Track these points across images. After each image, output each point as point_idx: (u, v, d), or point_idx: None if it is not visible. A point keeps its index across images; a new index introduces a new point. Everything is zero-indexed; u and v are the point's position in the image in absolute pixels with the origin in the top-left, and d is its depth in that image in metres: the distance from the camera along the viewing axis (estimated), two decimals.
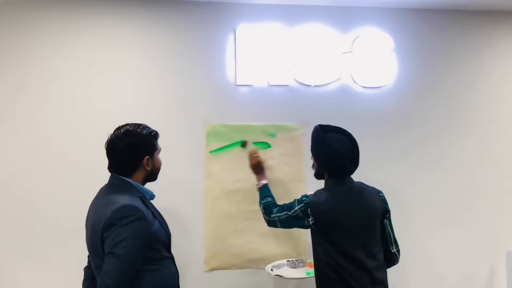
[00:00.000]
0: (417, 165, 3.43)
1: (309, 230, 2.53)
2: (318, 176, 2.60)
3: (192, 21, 3.24)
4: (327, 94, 3.33)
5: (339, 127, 2.54)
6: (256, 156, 2.96)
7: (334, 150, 2.43)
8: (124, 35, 3.20)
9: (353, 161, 2.48)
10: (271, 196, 2.75)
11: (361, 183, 2.54)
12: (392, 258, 2.54)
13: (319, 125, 2.54)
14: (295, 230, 2.94)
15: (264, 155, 3.07)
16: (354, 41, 3.36)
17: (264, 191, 2.80)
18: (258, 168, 2.94)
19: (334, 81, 3.33)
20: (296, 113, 3.27)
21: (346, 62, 3.34)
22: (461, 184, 3.46)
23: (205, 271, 3.15)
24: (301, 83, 3.30)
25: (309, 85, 3.31)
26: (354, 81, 3.35)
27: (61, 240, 2.99)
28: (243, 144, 3.15)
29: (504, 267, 3.39)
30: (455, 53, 3.54)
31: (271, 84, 3.27)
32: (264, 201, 2.71)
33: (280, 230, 3.07)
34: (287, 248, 3.18)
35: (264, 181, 2.85)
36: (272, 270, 2.93)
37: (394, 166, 3.40)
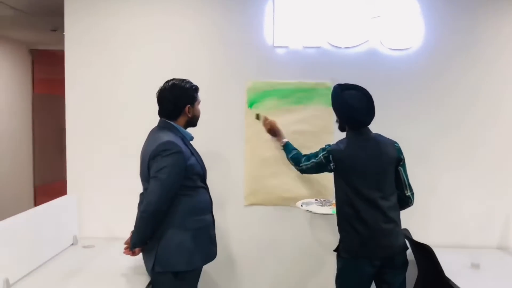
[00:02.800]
0: (436, 122, 3.64)
1: (329, 175, 2.95)
2: (341, 128, 2.99)
3: None
4: (356, 56, 3.60)
5: (356, 85, 2.90)
6: (268, 122, 3.42)
7: (350, 105, 2.81)
8: (176, 4, 3.62)
9: (368, 114, 2.84)
10: (296, 149, 3.20)
11: (378, 135, 2.91)
12: (406, 201, 2.92)
13: (337, 84, 2.92)
14: (321, 175, 3.28)
15: (299, 110, 3.52)
16: (382, 4, 3.56)
17: (288, 148, 3.25)
18: (273, 131, 3.41)
19: (363, 43, 3.59)
20: (327, 72, 3.58)
21: (374, 26, 3.57)
22: (479, 140, 3.65)
23: (244, 205, 3.67)
24: (332, 45, 3.59)
25: (340, 47, 3.60)
26: (382, 44, 3.59)
27: (127, 170, 3.55)
28: (257, 116, 3.55)
29: None
30: (482, 14, 3.61)
31: (305, 46, 3.60)
32: (291, 155, 3.16)
33: (308, 175, 3.46)
34: (315, 191, 3.61)
35: (284, 140, 3.31)
36: (302, 206, 3.41)
37: (417, 123, 3.65)
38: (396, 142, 2.92)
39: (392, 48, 3.63)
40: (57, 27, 5.25)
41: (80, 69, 3.65)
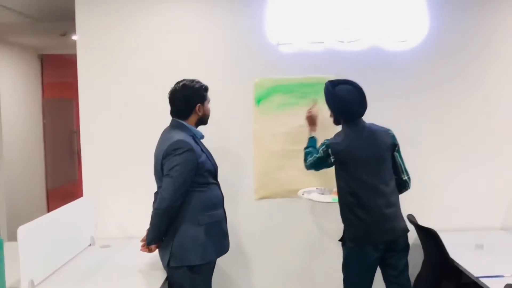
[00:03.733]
0: (436, 110, 3.75)
1: None
2: (336, 122, 3.13)
3: None
4: (359, 50, 3.68)
5: (346, 79, 3.04)
6: (310, 111, 3.51)
7: (342, 99, 2.95)
8: (184, 7, 3.71)
9: (361, 106, 2.97)
10: (313, 146, 3.29)
11: (372, 124, 3.04)
12: (404, 185, 3.05)
13: (328, 81, 3.06)
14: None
15: (305, 104, 3.61)
16: None
17: (310, 142, 3.35)
18: (310, 120, 3.49)
19: (366, 37, 3.66)
20: (332, 67, 3.66)
21: (377, 19, 3.64)
22: (480, 126, 3.76)
23: (255, 199, 3.78)
24: (336, 40, 3.67)
25: (343, 41, 3.68)
26: (385, 37, 3.66)
27: (140, 171, 3.61)
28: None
29: None
30: (484, 7, 3.70)
31: (309, 41, 3.68)
32: (306, 150, 3.28)
33: None
34: (322, 182, 3.68)
35: (312, 134, 3.41)
36: (303, 194, 3.53)
37: (417, 111, 3.76)
38: (389, 130, 3.06)
39: (396, 41, 3.70)
40: (66, 32, 5.37)
41: (92, 71, 3.74)
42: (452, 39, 3.73)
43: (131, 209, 3.72)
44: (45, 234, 2.91)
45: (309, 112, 3.51)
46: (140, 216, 3.36)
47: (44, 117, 6.72)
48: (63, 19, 4.94)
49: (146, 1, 3.70)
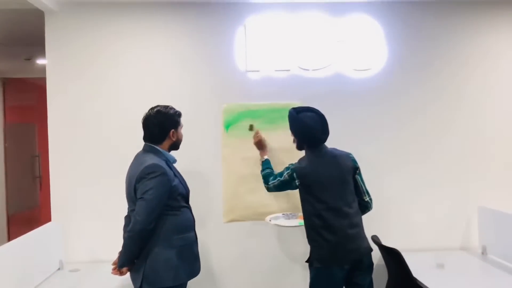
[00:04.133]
0: (398, 134, 3.95)
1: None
2: (299, 147, 3.26)
3: (209, 19, 3.81)
4: (323, 77, 3.87)
5: (309, 107, 3.19)
6: (257, 136, 3.64)
7: (306, 125, 3.09)
8: (154, 35, 3.82)
9: (323, 132, 3.12)
10: (270, 168, 3.44)
11: (334, 149, 3.19)
12: (366, 206, 3.19)
13: (292, 108, 3.20)
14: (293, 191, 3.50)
15: (272, 129, 3.73)
16: (347, 30, 3.84)
17: (264, 164, 3.49)
18: (260, 145, 3.63)
19: (329, 65, 3.86)
20: (297, 93, 3.83)
21: (340, 49, 3.84)
22: (437, 149, 3.98)
23: (224, 222, 3.84)
24: (301, 68, 3.85)
25: (308, 70, 3.85)
26: (347, 65, 3.87)
27: (109, 195, 3.70)
28: (250, 127, 3.77)
29: (476, 220, 3.90)
30: (438, 39, 3.96)
31: (276, 69, 3.84)
32: (264, 172, 3.40)
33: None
34: (290, 204, 3.79)
35: (265, 157, 3.55)
36: (270, 220, 3.62)
37: (379, 136, 3.95)
38: (350, 154, 3.20)
39: (357, 69, 3.91)
40: (31, 56, 5.37)
41: (61, 95, 3.77)
42: (409, 67, 3.96)
43: (100, 233, 3.73)
44: (13, 259, 2.91)
45: (257, 137, 3.66)
46: (109, 239, 3.40)
47: (5, 141, 6.61)
48: (29, 44, 4.97)
49: (116, 27, 3.79)
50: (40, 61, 5.49)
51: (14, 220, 6.57)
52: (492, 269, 3.46)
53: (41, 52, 5.16)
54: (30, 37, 4.78)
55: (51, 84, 3.78)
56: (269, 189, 3.33)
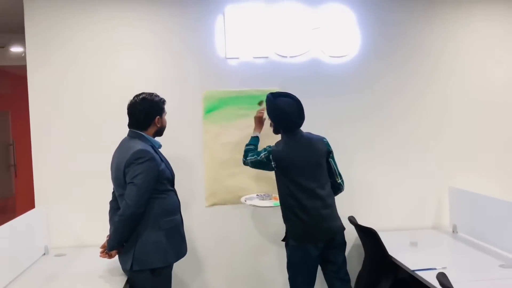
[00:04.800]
0: (373, 118, 4.09)
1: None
2: (276, 131, 3.39)
3: (189, 8, 3.85)
4: (300, 64, 3.97)
5: (286, 92, 3.33)
6: (261, 112, 3.72)
7: (283, 110, 3.20)
8: (137, 22, 3.84)
9: (299, 117, 3.25)
10: (255, 145, 3.54)
11: (309, 133, 3.34)
12: (338, 187, 3.36)
13: (270, 93, 3.32)
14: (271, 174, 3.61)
15: (252, 115, 3.78)
16: (322, 18, 3.94)
17: (252, 140, 3.60)
18: (258, 121, 3.71)
19: (306, 52, 3.96)
20: (276, 80, 3.93)
21: (315, 36, 3.94)
22: (409, 133, 4.14)
23: (206, 206, 3.95)
24: (279, 54, 3.94)
25: (285, 56, 3.95)
26: (323, 52, 3.98)
27: (92, 180, 3.76)
28: (260, 102, 3.82)
29: (447, 200, 4.09)
30: (409, 24, 4.10)
31: (254, 56, 3.92)
32: (247, 147, 3.52)
33: (263, 175, 3.81)
34: (269, 187, 3.89)
35: (256, 133, 3.65)
36: (245, 201, 3.74)
37: (354, 121, 4.08)
38: (324, 138, 3.36)
39: (332, 55, 4.02)
40: (5, 44, 5.33)
41: (43, 82, 3.77)
42: (382, 53, 4.09)
43: (84, 218, 3.78)
44: (3, 245, 2.95)
45: (261, 112, 3.73)
46: (93, 224, 3.52)
47: None
48: (1, 32, 4.94)
49: (97, 16, 3.81)
50: (14, 49, 5.45)
51: None
52: (462, 246, 3.64)
53: (16, 39, 5.17)
54: (4, 24, 4.75)
55: (31, 70, 3.76)
56: (245, 163, 3.46)
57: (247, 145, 3.55)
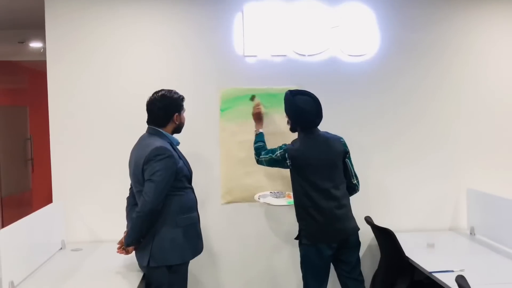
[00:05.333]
0: (392, 119, 4.06)
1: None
2: (293, 130, 3.38)
3: (208, 5, 3.85)
4: (318, 62, 3.95)
5: (305, 91, 3.31)
6: (258, 108, 3.73)
7: (301, 108, 3.20)
8: (157, 20, 3.85)
9: (317, 116, 3.24)
10: (263, 141, 3.55)
11: (326, 132, 3.32)
12: (353, 188, 3.35)
13: (289, 90, 3.32)
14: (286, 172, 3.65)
15: (269, 113, 3.83)
16: (341, 16, 3.91)
17: (258, 137, 3.60)
18: (257, 117, 3.72)
19: (325, 51, 3.93)
20: (293, 78, 3.91)
21: (334, 34, 3.92)
22: (429, 135, 4.09)
23: (222, 204, 3.95)
24: (297, 53, 3.92)
25: (304, 55, 3.93)
26: (341, 51, 3.94)
27: (109, 176, 3.80)
28: (252, 97, 3.84)
29: (465, 202, 4.04)
30: (429, 24, 4.05)
31: (272, 54, 3.91)
32: (256, 145, 3.52)
33: (279, 173, 3.84)
34: (286, 186, 3.82)
35: (260, 130, 3.65)
36: (259, 198, 3.74)
37: (374, 122, 4.05)
38: (341, 138, 3.35)
39: (351, 54, 3.99)
40: (25, 40, 5.38)
41: (62, 78, 3.79)
42: (402, 52, 4.05)
43: (101, 213, 3.81)
44: (20, 238, 2.98)
45: (257, 109, 3.73)
46: (110, 220, 3.55)
47: None
48: (23, 27, 4.98)
49: (117, 12, 3.82)
50: (33, 44, 5.50)
51: (6, 203, 6.59)
52: (479, 248, 3.61)
53: (35, 35, 5.21)
54: (24, 20, 4.79)
55: (51, 66, 3.79)
56: (258, 162, 3.46)
57: (255, 143, 3.55)
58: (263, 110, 3.74)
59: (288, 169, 3.32)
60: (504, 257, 3.36)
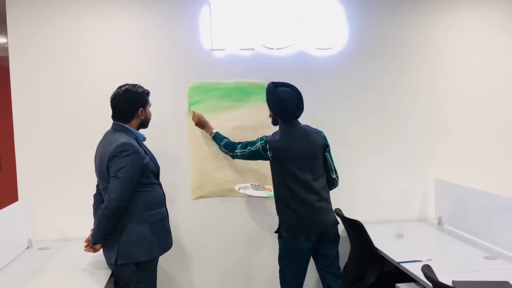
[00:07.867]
0: (359, 112, 4.10)
1: (268, 165, 3.31)
2: (274, 122, 3.37)
3: None
4: (287, 56, 3.94)
5: (287, 83, 3.28)
6: (195, 116, 3.73)
7: (282, 100, 3.17)
8: (121, 13, 3.79)
9: (298, 108, 3.23)
10: (226, 138, 3.53)
11: (307, 126, 3.31)
12: (332, 182, 3.35)
13: (271, 82, 3.27)
14: (260, 165, 3.71)
15: (238, 107, 3.84)
16: (309, 9, 3.90)
17: (219, 137, 3.58)
18: (200, 124, 3.72)
19: (293, 44, 3.93)
20: (262, 72, 3.90)
21: (302, 28, 3.91)
22: (396, 126, 4.15)
23: (192, 199, 3.91)
24: (265, 46, 3.90)
25: (272, 48, 3.92)
26: (310, 44, 3.94)
27: (76, 173, 3.72)
28: (189, 109, 3.83)
29: (433, 192, 4.11)
30: (396, 16, 4.09)
31: (241, 48, 3.88)
32: (223, 143, 3.49)
33: (249, 166, 3.85)
34: (256, 180, 3.90)
35: (214, 131, 3.64)
36: (239, 189, 3.72)
37: (341, 113, 4.08)
38: (322, 132, 3.35)
39: (319, 48, 4.00)
40: None
41: (25, 74, 3.70)
42: (370, 45, 4.09)
43: (68, 211, 3.74)
44: None
45: (195, 118, 3.75)
46: (77, 217, 3.50)
47: None
48: None
49: (81, 6, 3.75)
50: None
51: None
52: (447, 238, 3.68)
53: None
54: None
55: (14, 62, 3.70)
56: (234, 157, 3.44)
57: (219, 142, 3.53)
58: (200, 114, 3.74)
59: (262, 162, 3.33)
60: (470, 246, 3.42)
